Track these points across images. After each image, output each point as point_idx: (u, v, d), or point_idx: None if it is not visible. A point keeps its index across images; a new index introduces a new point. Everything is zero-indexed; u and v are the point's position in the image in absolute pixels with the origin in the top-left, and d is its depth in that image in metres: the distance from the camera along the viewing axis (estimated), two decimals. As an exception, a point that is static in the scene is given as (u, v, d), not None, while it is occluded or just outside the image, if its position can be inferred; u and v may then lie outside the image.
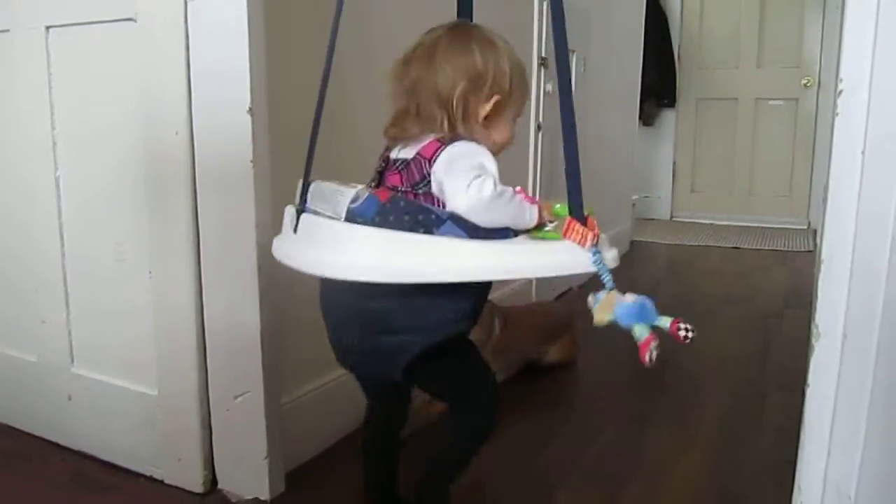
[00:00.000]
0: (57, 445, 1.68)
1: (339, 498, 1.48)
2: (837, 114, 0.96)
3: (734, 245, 4.48)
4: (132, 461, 1.57)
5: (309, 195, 1.05)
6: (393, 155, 1.08)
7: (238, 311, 1.39)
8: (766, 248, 4.42)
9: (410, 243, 0.94)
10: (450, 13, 1.20)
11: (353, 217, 0.96)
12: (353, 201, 0.96)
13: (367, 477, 1.31)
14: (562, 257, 0.93)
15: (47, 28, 1.52)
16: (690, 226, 5.19)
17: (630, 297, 0.92)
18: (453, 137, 1.02)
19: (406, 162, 1.04)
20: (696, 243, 4.56)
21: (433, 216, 0.95)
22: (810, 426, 1.05)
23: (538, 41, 2.71)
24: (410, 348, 1.05)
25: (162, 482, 1.52)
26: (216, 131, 1.34)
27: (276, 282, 1.41)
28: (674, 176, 5.45)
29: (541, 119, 2.77)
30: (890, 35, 0.91)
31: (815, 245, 3.78)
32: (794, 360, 1.13)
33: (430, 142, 1.03)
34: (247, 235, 1.34)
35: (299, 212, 1.04)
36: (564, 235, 0.92)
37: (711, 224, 5.21)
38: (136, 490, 1.51)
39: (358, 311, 1.07)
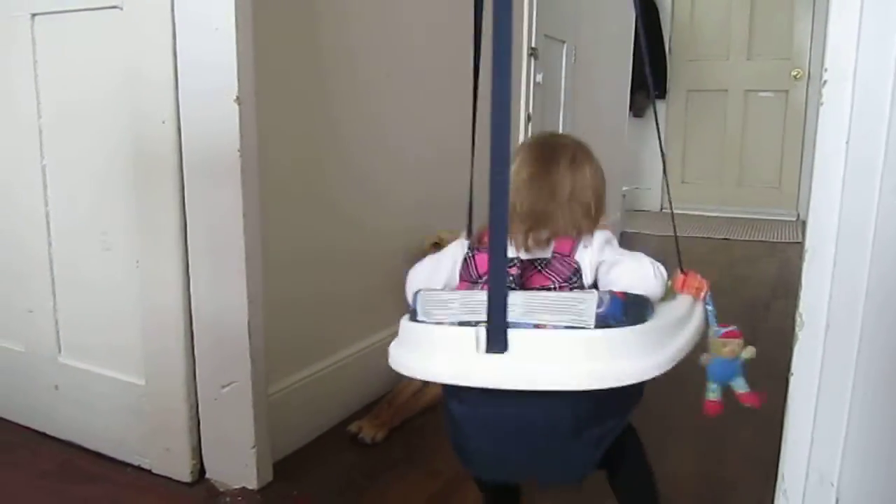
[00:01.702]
0: (44, 435, 1.68)
1: (326, 487, 1.48)
2: (822, 104, 0.96)
3: (723, 236, 4.50)
4: (120, 451, 1.57)
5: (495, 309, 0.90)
6: (525, 256, 1.05)
7: (225, 301, 1.38)
8: (756, 239, 4.44)
9: (670, 329, 1.02)
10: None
11: (604, 322, 0.91)
12: (598, 306, 0.92)
13: None
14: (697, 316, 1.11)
15: (33, 15, 1.51)
16: (680, 217, 5.18)
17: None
18: (585, 232, 1.07)
19: (547, 261, 1.04)
20: (686, 234, 4.57)
21: (649, 306, 1.00)
22: (794, 415, 1.06)
23: (528, 31, 2.71)
24: (607, 437, 1.07)
25: (150, 472, 1.52)
26: (203, 120, 1.34)
27: (264, 271, 1.41)
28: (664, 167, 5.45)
29: (530, 110, 2.76)
30: (875, 26, 0.91)
31: (804, 236, 3.77)
32: (780, 350, 1.14)
33: (564, 239, 1.05)
34: (234, 225, 1.34)
35: (498, 328, 0.89)
36: (681, 289, 1.08)
37: (701, 215, 5.22)
38: (124, 480, 1.51)
39: (529, 421, 1.01)
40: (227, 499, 1.43)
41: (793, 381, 1.05)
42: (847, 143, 0.94)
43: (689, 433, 1.74)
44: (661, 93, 5.27)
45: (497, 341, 0.88)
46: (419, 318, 0.95)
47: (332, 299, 1.76)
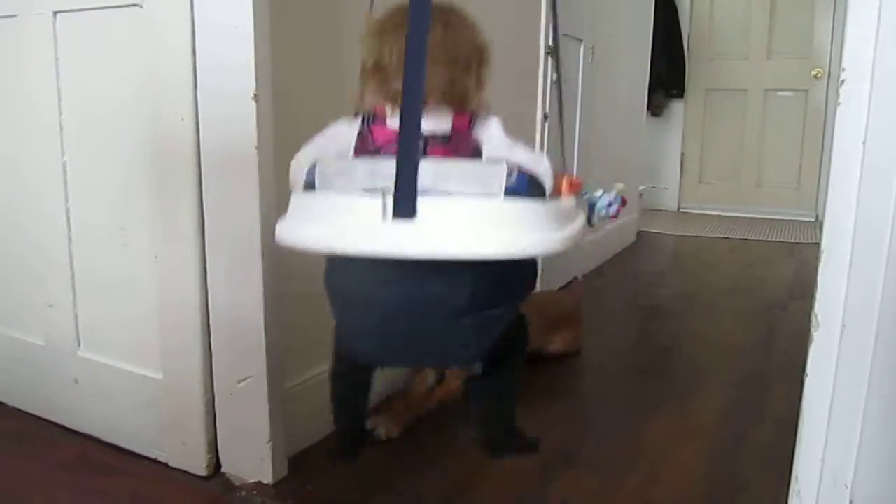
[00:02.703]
0: (63, 428, 1.70)
1: (340, 483, 1.49)
2: (839, 104, 0.96)
3: (741, 237, 4.47)
4: (137, 444, 1.59)
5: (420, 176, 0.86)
6: (425, 128, 0.95)
7: (242, 297, 1.40)
8: (774, 239, 4.40)
9: (564, 215, 0.96)
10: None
11: (512, 195, 0.91)
12: (508, 177, 0.92)
13: (341, 409, 1.33)
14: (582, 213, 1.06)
15: (55, 13, 1.52)
16: (698, 217, 5.18)
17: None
18: (475, 110, 1.05)
19: (447, 136, 1.02)
20: (704, 234, 4.55)
21: (543, 187, 1.00)
22: (808, 416, 1.05)
23: (545, 30, 2.70)
24: (497, 324, 1.05)
25: (166, 465, 1.54)
26: (221, 118, 1.35)
27: (280, 267, 1.41)
28: (682, 167, 5.43)
29: (546, 108, 2.76)
30: (892, 27, 0.91)
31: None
32: (797, 351, 1.13)
33: (457, 114, 1.03)
34: (251, 221, 1.35)
35: (407, 193, 0.85)
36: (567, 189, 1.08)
37: (719, 215, 5.19)
38: (141, 472, 1.53)
39: (422, 299, 1.00)
40: (243, 493, 1.44)
41: (808, 381, 1.05)
42: (864, 143, 0.94)
43: (703, 432, 1.74)
44: (680, 92, 5.24)
45: (406, 207, 0.83)
46: (318, 188, 0.94)
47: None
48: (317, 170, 0.95)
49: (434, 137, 1.01)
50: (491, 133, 1.04)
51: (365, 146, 1.03)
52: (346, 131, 1.06)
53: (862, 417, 1.00)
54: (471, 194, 0.90)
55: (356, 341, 1.13)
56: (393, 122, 1.02)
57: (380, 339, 1.08)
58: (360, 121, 1.05)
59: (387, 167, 0.84)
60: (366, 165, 0.95)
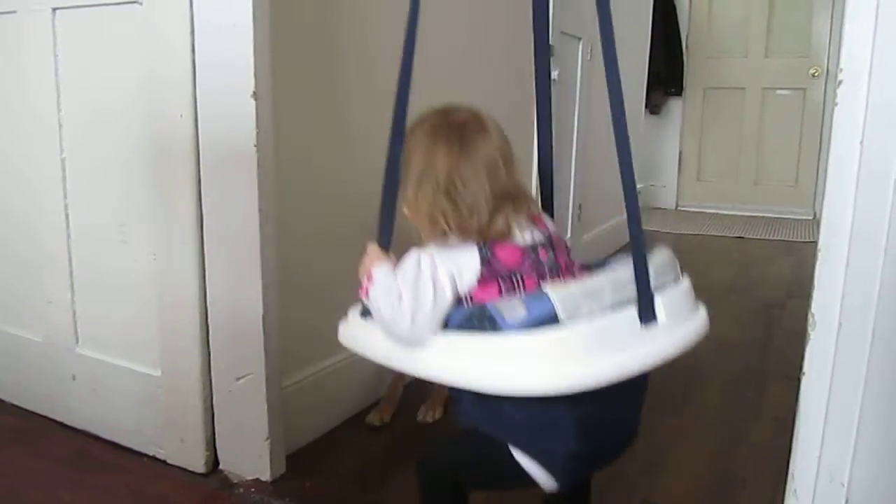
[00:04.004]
0: (61, 424, 1.70)
1: (339, 480, 1.50)
2: (837, 104, 0.96)
3: (739, 235, 4.47)
4: (135, 441, 1.59)
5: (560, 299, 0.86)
6: (533, 239, 0.99)
7: (240, 294, 1.40)
8: (772, 238, 4.41)
9: None
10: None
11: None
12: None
13: None
14: None
15: (54, 10, 1.52)
16: (696, 215, 5.18)
17: None
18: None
19: (548, 243, 1.00)
20: (701, 233, 4.56)
21: None
22: (805, 413, 1.06)
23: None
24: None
25: (164, 462, 1.54)
26: (220, 115, 1.35)
27: (279, 265, 1.42)
28: (680, 165, 5.43)
29: (546, 107, 2.76)
30: (890, 26, 0.91)
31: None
32: (795, 349, 1.14)
33: (536, 218, 1.02)
34: (250, 218, 1.35)
35: (649, 300, 0.90)
36: None
37: (717, 214, 5.19)
38: (139, 469, 1.53)
39: (646, 385, 1.02)
40: (241, 490, 1.44)
41: (805, 380, 1.05)
42: (861, 142, 0.94)
43: (702, 430, 1.74)
44: (678, 90, 5.25)
45: (650, 313, 0.89)
46: (562, 318, 0.84)
47: (348, 293, 1.76)
48: (553, 298, 0.84)
49: (541, 243, 0.99)
50: (552, 225, 1.05)
51: (492, 272, 0.93)
52: (464, 256, 0.94)
53: (858, 416, 1.00)
54: (672, 283, 0.96)
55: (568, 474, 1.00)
56: (510, 240, 0.96)
57: (616, 436, 1.03)
58: (474, 245, 0.94)
59: (625, 277, 0.90)
60: (609, 282, 0.90)
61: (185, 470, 1.51)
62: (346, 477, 1.51)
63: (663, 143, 5.38)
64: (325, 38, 1.60)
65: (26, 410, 1.77)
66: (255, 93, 1.30)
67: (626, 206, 0.91)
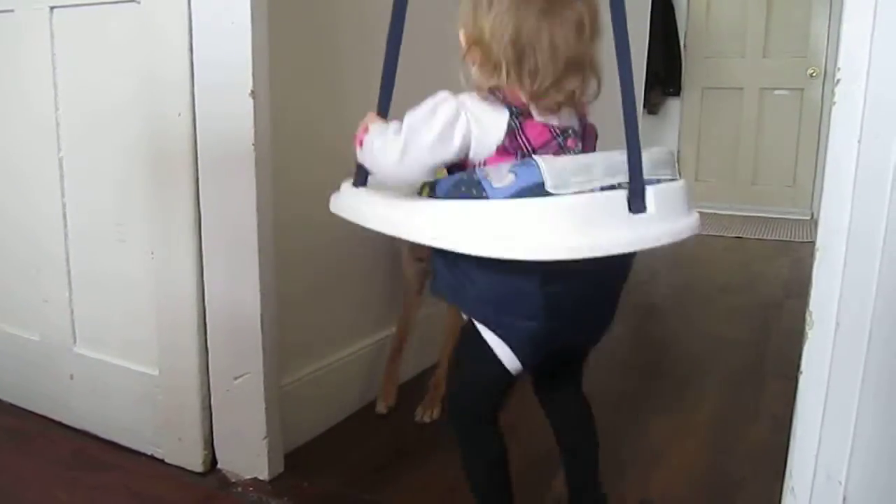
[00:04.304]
0: (59, 424, 1.70)
1: (337, 479, 1.50)
2: (834, 103, 0.96)
3: (737, 235, 4.48)
4: (133, 440, 1.59)
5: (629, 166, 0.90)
6: (570, 124, 0.98)
7: (238, 293, 1.40)
8: (769, 238, 4.41)
9: None
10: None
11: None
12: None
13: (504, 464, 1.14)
14: None
15: (51, 8, 1.52)
16: (694, 215, 5.18)
17: None
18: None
19: (579, 131, 0.99)
20: (699, 232, 4.54)
21: None
22: (803, 412, 1.06)
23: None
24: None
25: (162, 461, 1.54)
26: (218, 114, 1.35)
27: (277, 264, 1.42)
28: (678, 165, 5.42)
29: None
30: (888, 26, 0.91)
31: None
32: (792, 349, 1.14)
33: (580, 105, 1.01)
34: (248, 217, 1.35)
35: (640, 188, 0.90)
36: None
37: (715, 213, 5.19)
38: (137, 468, 1.53)
39: (625, 276, 1.04)
40: (239, 489, 1.44)
41: (802, 379, 1.05)
42: (859, 142, 0.94)
43: (699, 429, 1.75)
44: (676, 90, 5.25)
45: (641, 202, 0.89)
46: (550, 189, 0.84)
47: (345, 291, 1.77)
48: (542, 168, 0.84)
49: (574, 132, 0.98)
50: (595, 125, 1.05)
51: (516, 145, 0.91)
52: (492, 121, 0.92)
53: (856, 414, 1.00)
54: (668, 179, 0.97)
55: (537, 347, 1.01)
56: (542, 118, 0.94)
57: (587, 320, 1.04)
58: (506, 112, 0.92)
59: (619, 162, 0.90)
60: (602, 162, 0.90)
61: (183, 469, 1.51)
62: (344, 475, 1.51)
63: (661, 143, 5.34)
64: (324, 37, 1.60)
65: (24, 410, 1.77)
66: (253, 91, 1.30)
67: (623, 93, 0.94)
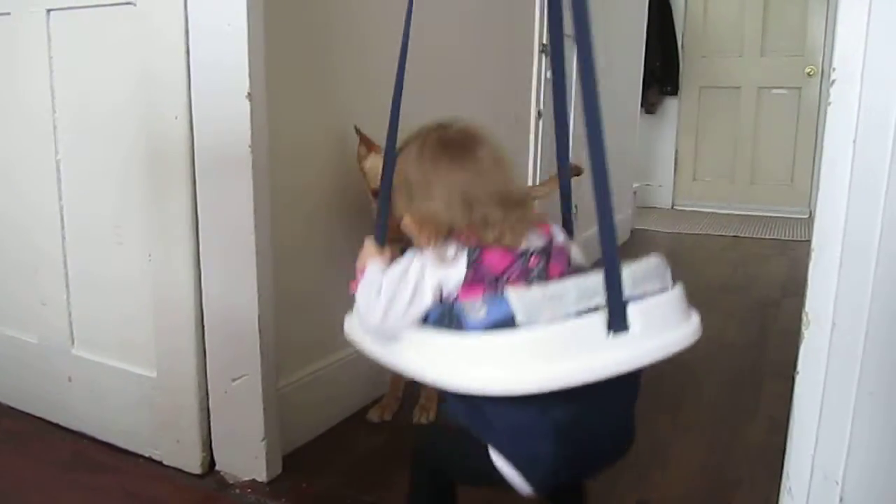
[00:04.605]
0: (57, 426, 1.70)
1: (334, 481, 1.50)
2: (830, 103, 0.97)
3: (734, 234, 4.48)
4: (131, 442, 1.59)
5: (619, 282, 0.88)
6: (529, 245, 1.00)
7: (236, 295, 1.40)
8: (767, 237, 4.42)
9: None
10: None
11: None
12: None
13: None
14: None
15: (48, 11, 1.52)
16: (692, 214, 5.19)
17: None
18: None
19: (547, 250, 1.00)
20: (697, 232, 4.56)
21: None
22: (799, 412, 1.06)
23: (539, 28, 2.71)
24: None
25: (161, 463, 1.54)
26: (215, 116, 1.35)
27: (274, 266, 1.42)
28: (676, 164, 5.43)
29: (541, 106, 2.77)
30: (883, 26, 0.91)
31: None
32: (790, 348, 1.14)
33: (541, 226, 1.02)
34: (245, 219, 1.35)
35: (619, 307, 0.87)
36: None
37: (713, 213, 5.20)
38: (136, 470, 1.53)
39: (634, 392, 1.03)
40: (237, 491, 1.44)
41: (798, 379, 1.06)
42: (854, 142, 0.94)
43: (697, 429, 1.75)
44: (674, 89, 5.25)
45: (620, 321, 0.86)
46: (521, 321, 0.84)
47: (343, 293, 1.76)
48: (512, 301, 0.85)
49: (537, 253, 0.99)
50: (562, 237, 1.05)
51: (479, 276, 0.95)
52: (454, 262, 0.96)
53: (852, 414, 1.01)
54: (657, 292, 0.92)
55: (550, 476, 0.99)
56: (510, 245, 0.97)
57: (599, 442, 1.02)
58: (465, 250, 0.96)
59: (593, 284, 0.87)
60: (574, 287, 0.88)
61: (181, 471, 1.51)
62: (342, 477, 1.51)
63: (659, 142, 5.38)
64: (320, 39, 1.60)
65: (22, 412, 1.77)
66: (249, 94, 1.30)
67: (598, 210, 0.88)
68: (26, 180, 1.65)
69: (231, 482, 1.47)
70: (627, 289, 0.88)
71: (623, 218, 4.10)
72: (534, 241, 0.99)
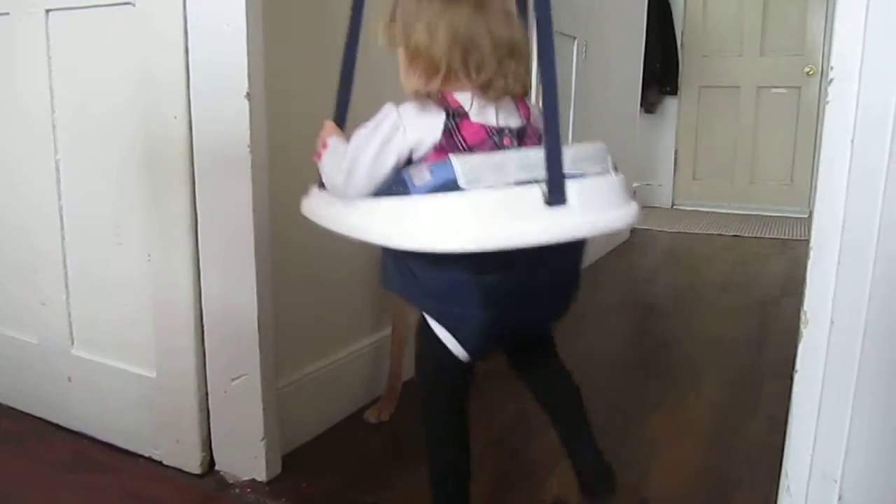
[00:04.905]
0: (57, 426, 1.70)
1: (334, 480, 1.50)
2: (828, 102, 0.97)
3: (734, 233, 4.48)
4: (131, 442, 1.59)
5: (551, 162, 0.92)
6: (506, 123, 1.02)
7: (235, 295, 1.40)
8: (767, 236, 4.42)
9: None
10: None
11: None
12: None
13: (463, 451, 1.16)
14: None
15: (47, 11, 1.52)
16: (691, 214, 5.19)
17: None
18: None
19: (522, 129, 1.03)
20: (697, 231, 4.57)
21: None
22: (798, 411, 1.06)
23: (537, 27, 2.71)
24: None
25: (160, 463, 1.54)
26: (214, 116, 1.35)
27: (273, 265, 1.42)
28: (675, 164, 5.44)
29: (540, 106, 2.76)
30: (881, 25, 0.91)
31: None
32: (789, 347, 1.14)
33: (522, 105, 1.04)
34: (244, 219, 1.35)
35: (559, 181, 0.92)
36: None
37: (712, 212, 5.20)
38: (135, 470, 1.53)
39: (574, 263, 1.09)
40: (237, 490, 1.44)
41: (797, 377, 1.06)
42: (852, 141, 0.94)
43: (696, 429, 1.75)
44: (673, 89, 5.25)
45: (560, 195, 0.91)
46: (463, 185, 0.89)
47: (342, 293, 1.77)
48: (455, 166, 0.90)
49: (511, 131, 1.01)
50: (538, 114, 1.05)
51: (452, 144, 0.97)
52: (429, 124, 0.97)
53: (850, 413, 1.01)
54: (597, 174, 0.99)
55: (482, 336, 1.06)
56: (480, 117, 0.99)
57: (531, 307, 1.07)
58: (443, 115, 0.97)
59: (535, 158, 0.92)
60: (516, 158, 0.94)
61: (180, 471, 1.51)
62: (342, 477, 1.51)
63: (659, 141, 5.38)
64: (319, 39, 1.60)
65: (21, 412, 1.77)
66: (248, 93, 1.30)
67: (543, 91, 0.93)
68: (25, 180, 1.65)
69: (231, 482, 1.47)
70: (567, 166, 0.93)
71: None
72: (511, 121, 1.02)
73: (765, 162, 5.18)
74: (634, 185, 4.45)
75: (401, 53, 1.03)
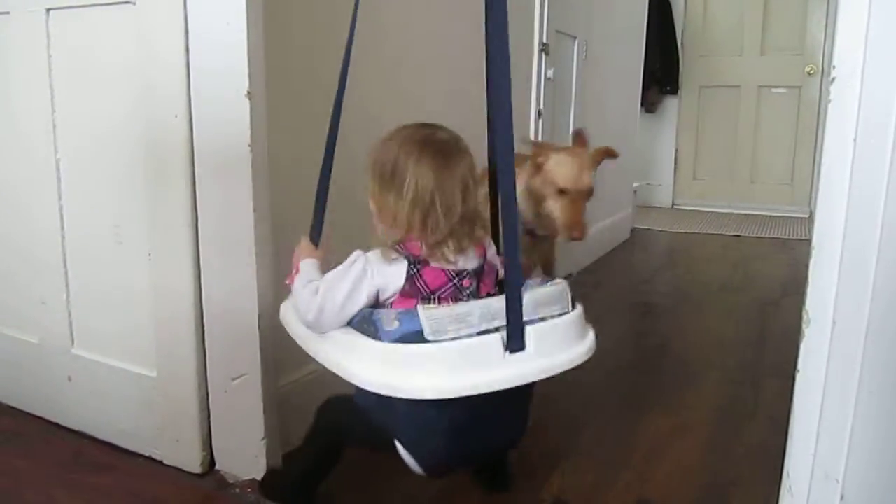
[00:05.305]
0: (57, 426, 1.70)
1: (334, 479, 1.49)
2: (830, 101, 0.97)
3: (735, 233, 4.48)
4: (131, 442, 1.59)
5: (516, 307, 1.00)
6: (465, 266, 1.10)
7: (236, 294, 1.40)
8: (767, 236, 4.42)
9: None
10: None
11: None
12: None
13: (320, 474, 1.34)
14: None
15: (47, 10, 1.52)
16: (692, 213, 5.19)
17: None
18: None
19: (480, 270, 1.12)
20: (697, 231, 4.57)
21: None
22: (799, 411, 1.06)
23: (539, 27, 2.71)
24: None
25: (161, 462, 1.54)
26: (215, 115, 1.35)
27: (274, 265, 1.41)
28: (676, 163, 5.44)
29: (541, 106, 2.77)
30: (883, 24, 0.91)
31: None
32: (790, 347, 1.14)
33: (478, 245, 1.12)
34: (244, 218, 1.35)
35: (518, 328, 1.00)
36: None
37: (713, 212, 5.20)
38: (136, 470, 1.53)
39: (526, 398, 1.17)
40: (237, 490, 1.44)
41: (799, 377, 1.06)
42: (854, 140, 0.94)
43: (697, 428, 1.75)
44: (674, 88, 5.25)
45: (519, 342, 0.98)
46: (428, 337, 0.96)
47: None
48: (422, 318, 0.96)
49: (469, 273, 1.10)
50: (493, 252, 1.16)
51: (415, 289, 1.06)
52: (393, 273, 1.07)
53: (852, 413, 1.01)
54: (555, 316, 1.05)
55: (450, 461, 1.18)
56: (442, 264, 1.08)
57: (491, 436, 1.16)
58: (405, 263, 1.07)
59: (497, 307, 0.99)
60: (479, 309, 0.99)
61: (181, 470, 1.51)
62: (342, 476, 1.50)
63: (659, 141, 5.38)
64: (319, 38, 1.60)
65: (21, 412, 1.77)
66: (249, 93, 1.30)
67: (504, 240, 1.01)
68: (26, 179, 1.65)
69: (231, 481, 1.47)
70: (528, 312, 1.00)
71: (623, 217, 4.10)
72: (469, 263, 1.10)
73: (765, 162, 5.19)
74: (635, 184, 4.44)
75: (371, 204, 1.15)
